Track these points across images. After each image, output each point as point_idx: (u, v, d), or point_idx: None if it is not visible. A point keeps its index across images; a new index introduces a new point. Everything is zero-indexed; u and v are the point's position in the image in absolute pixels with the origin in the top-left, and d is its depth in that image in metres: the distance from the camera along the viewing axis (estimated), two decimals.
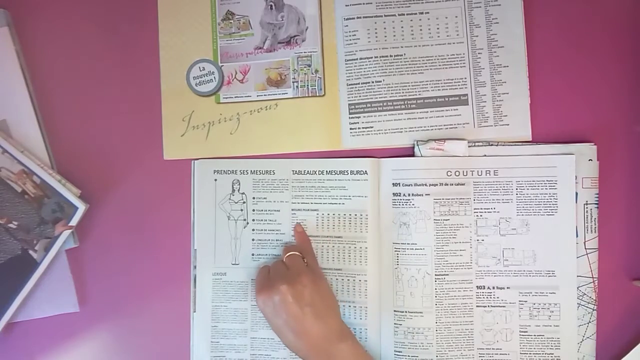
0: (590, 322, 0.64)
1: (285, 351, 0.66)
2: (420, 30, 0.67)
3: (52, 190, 0.65)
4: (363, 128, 0.67)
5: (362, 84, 0.67)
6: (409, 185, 0.65)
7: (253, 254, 0.67)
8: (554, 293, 0.64)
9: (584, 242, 0.65)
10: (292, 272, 0.60)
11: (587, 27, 0.67)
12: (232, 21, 0.68)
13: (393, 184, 0.66)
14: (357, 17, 0.67)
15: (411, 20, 0.67)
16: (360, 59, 0.67)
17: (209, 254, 0.67)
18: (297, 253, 0.63)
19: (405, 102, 0.67)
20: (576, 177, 0.64)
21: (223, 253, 0.67)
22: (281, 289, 0.58)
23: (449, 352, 0.65)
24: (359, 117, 0.67)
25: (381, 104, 0.67)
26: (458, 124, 0.67)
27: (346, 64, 0.67)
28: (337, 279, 0.66)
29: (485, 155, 0.65)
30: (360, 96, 0.67)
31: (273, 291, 0.59)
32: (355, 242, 0.66)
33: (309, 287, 0.59)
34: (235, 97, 0.68)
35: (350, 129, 0.67)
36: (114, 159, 0.68)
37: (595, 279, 0.64)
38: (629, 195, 0.66)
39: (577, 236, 0.64)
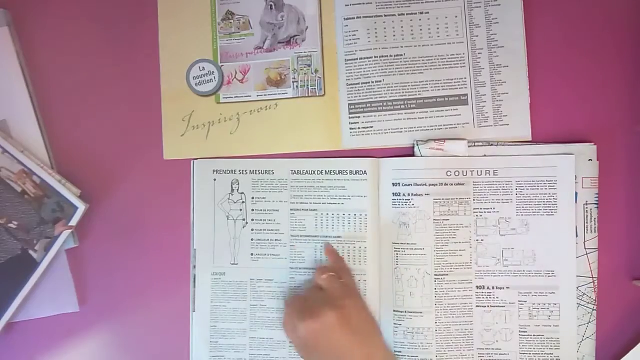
0: (590, 322, 0.64)
1: (284, 351, 0.66)
2: (420, 30, 0.67)
3: (52, 190, 0.65)
4: (363, 128, 0.67)
5: (362, 84, 0.67)
6: (409, 185, 0.65)
7: (252, 254, 0.67)
8: (554, 293, 0.64)
9: (584, 242, 0.65)
10: (334, 296, 0.57)
11: (587, 27, 0.67)
12: (232, 21, 0.68)
13: (393, 184, 0.66)
14: (357, 17, 0.67)
15: (411, 20, 0.67)
16: (360, 59, 0.67)
17: (209, 254, 0.67)
18: (332, 274, 0.60)
19: (405, 102, 0.67)
20: (576, 177, 0.64)
21: (222, 253, 0.67)
22: (328, 315, 0.55)
23: (448, 352, 0.64)
24: (359, 117, 0.67)
25: (381, 104, 0.67)
26: (458, 124, 0.67)
27: (346, 64, 0.67)
28: None
29: (485, 155, 0.65)
30: (360, 96, 0.67)
31: (319, 317, 0.55)
32: (354, 242, 0.66)
33: (355, 311, 0.57)
34: (235, 97, 0.68)
35: (350, 129, 0.67)
36: (114, 159, 0.68)
37: (595, 279, 0.64)
38: (629, 195, 0.66)
39: (577, 236, 0.64)
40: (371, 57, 0.67)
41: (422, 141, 0.66)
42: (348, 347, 0.55)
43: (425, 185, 0.65)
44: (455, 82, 0.67)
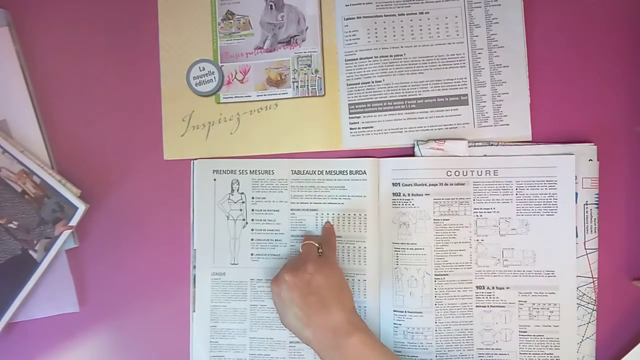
0: (590, 322, 0.64)
1: (284, 350, 0.66)
2: (420, 30, 0.67)
3: (52, 190, 0.65)
4: (363, 128, 0.67)
5: (362, 84, 0.67)
6: (409, 185, 0.65)
7: (252, 254, 0.67)
8: (554, 293, 0.64)
9: (584, 242, 0.65)
10: (300, 261, 0.59)
11: (587, 27, 0.67)
12: (232, 21, 0.68)
13: (393, 183, 0.66)
14: (357, 17, 0.67)
15: (411, 20, 0.67)
16: (360, 59, 0.67)
17: (208, 254, 0.67)
18: (312, 242, 0.62)
19: (405, 102, 0.67)
20: (576, 177, 0.64)
21: (222, 253, 0.67)
22: (284, 279, 0.57)
23: (448, 352, 0.65)
24: (359, 117, 0.67)
25: (381, 104, 0.67)
26: (458, 124, 0.67)
27: (346, 64, 0.67)
28: None
29: (485, 155, 0.65)
30: (360, 96, 0.67)
31: (278, 282, 0.58)
32: (354, 242, 0.66)
33: (315, 275, 0.57)
34: (235, 97, 0.68)
35: (350, 129, 0.67)
36: (114, 159, 0.68)
37: (595, 279, 0.64)
38: (629, 195, 0.66)
39: (577, 236, 0.64)
40: (371, 57, 0.67)
41: (422, 141, 0.66)
42: (307, 310, 0.56)
43: (425, 185, 0.65)
44: (455, 82, 0.67)
